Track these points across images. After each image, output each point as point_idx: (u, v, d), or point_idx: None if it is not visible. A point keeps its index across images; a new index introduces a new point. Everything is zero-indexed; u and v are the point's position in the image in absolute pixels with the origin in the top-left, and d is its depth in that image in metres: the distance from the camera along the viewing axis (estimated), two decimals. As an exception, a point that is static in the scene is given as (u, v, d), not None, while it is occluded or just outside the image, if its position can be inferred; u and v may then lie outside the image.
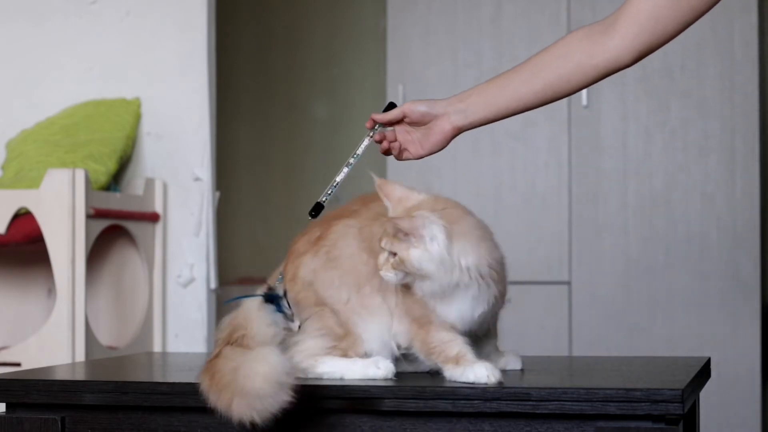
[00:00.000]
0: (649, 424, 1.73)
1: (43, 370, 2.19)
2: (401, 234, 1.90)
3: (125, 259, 3.69)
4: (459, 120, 2.18)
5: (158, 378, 1.96)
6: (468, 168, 4.44)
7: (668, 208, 4.38)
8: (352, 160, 2.15)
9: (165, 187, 3.73)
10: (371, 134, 2.16)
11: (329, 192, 2.11)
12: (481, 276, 1.90)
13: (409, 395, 1.81)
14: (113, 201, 3.51)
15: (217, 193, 3.81)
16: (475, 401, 1.79)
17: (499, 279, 1.94)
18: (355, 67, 5.18)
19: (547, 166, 4.47)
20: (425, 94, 4.61)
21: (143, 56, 3.79)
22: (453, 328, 1.92)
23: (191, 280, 3.72)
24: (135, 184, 3.68)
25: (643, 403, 1.72)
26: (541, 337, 4.41)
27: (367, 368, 1.93)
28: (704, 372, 2.12)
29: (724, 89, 4.36)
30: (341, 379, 1.92)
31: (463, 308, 1.92)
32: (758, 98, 4.34)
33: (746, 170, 4.34)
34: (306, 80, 5.22)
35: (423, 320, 1.92)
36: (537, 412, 1.77)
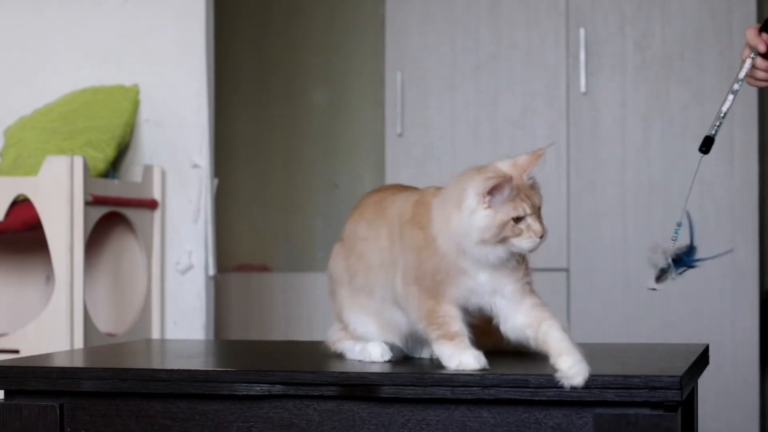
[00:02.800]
0: (647, 411, 1.73)
1: (42, 357, 2.19)
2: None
3: (124, 246, 3.69)
4: None
5: (157, 365, 1.96)
6: (467, 155, 4.43)
7: (666, 196, 4.38)
8: (736, 86, 2.04)
9: (163, 174, 3.72)
10: (754, 55, 2.03)
11: (717, 124, 2.03)
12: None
13: (407, 382, 1.81)
14: (112, 188, 3.51)
15: (216, 180, 3.81)
16: (474, 388, 1.79)
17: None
18: (354, 54, 5.17)
19: (546, 153, 4.46)
20: (424, 82, 4.61)
21: (142, 43, 3.78)
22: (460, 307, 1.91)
23: (190, 267, 3.72)
24: (133, 171, 3.68)
25: (641, 390, 1.72)
26: (540, 324, 4.41)
27: (373, 348, 1.99)
28: (702, 359, 2.12)
29: (723, 76, 4.36)
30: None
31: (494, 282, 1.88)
32: (757, 85, 4.34)
33: (744, 158, 4.34)
34: (304, 67, 5.21)
35: (432, 292, 1.90)
36: (535, 399, 1.77)
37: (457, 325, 1.88)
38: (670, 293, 4.36)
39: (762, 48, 1.97)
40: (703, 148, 1.99)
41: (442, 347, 1.88)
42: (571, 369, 1.75)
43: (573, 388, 1.75)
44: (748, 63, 1.99)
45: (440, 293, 1.89)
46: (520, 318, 1.88)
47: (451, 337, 1.87)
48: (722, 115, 1.99)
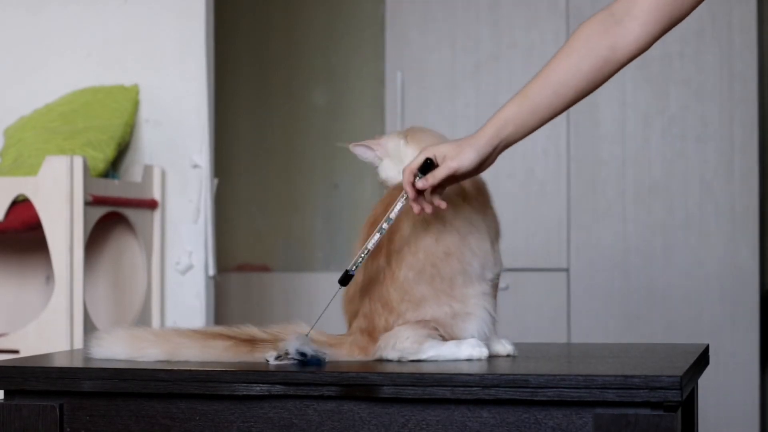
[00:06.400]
0: (647, 411, 1.73)
1: (42, 357, 2.19)
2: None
3: (124, 247, 3.69)
4: (498, 151, 2.15)
5: (157, 365, 1.96)
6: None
7: (667, 195, 4.38)
8: (385, 225, 2.02)
9: (163, 174, 3.72)
10: (404, 197, 2.02)
11: (361, 259, 2.02)
12: None
13: (407, 382, 1.81)
14: (111, 188, 3.51)
15: (216, 180, 3.81)
16: (474, 388, 1.79)
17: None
18: (354, 54, 5.17)
19: (546, 153, 4.47)
20: (424, 82, 4.60)
21: (142, 43, 3.78)
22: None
23: (189, 267, 3.72)
24: (133, 171, 3.68)
25: (641, 390, 1.72)
26: (540, 324, 4.41)
27: (473, 349, 2.01)
28: (703, 359, 2.12)
29: (723, 76, 4.36)
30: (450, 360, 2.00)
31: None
32: (757, 85, 4.34)
33: (745, 157, 4.34)
34: (305, 67, 5.22)
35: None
36: (535, 399, 1.77)
37: None
38: (670, 293, 4.36)
39: (411, 195, 2.00)
40: (342, 282, 2.00)
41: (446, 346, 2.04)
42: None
43: (569, 387, 1.75)
44: (399, 205, 2.00)
45: None
46: None
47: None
48: (366, 251, 2.00)
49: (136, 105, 3.74)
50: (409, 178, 2.00)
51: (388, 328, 2.02)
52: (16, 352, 3.31)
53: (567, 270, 4.43)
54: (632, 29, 2.01)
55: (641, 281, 4.38)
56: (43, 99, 3.79)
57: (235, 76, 5.21)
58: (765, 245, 4.48)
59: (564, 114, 4.45)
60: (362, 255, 2.00)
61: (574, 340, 4.36)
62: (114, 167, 3.69)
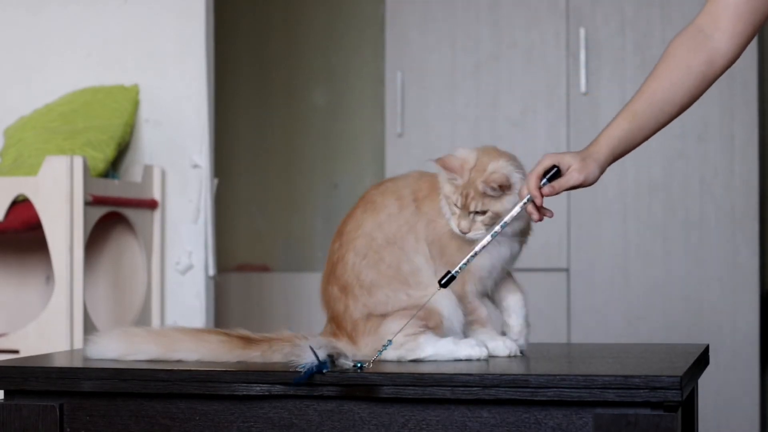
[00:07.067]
0: (647, 411, 1.73)
1: (42, 357, 2.19)
2: (493, 190, 2.02)
3: (123, 247, 3.69)
4: (607, 165, 2.20)
5: (156, 365, 1.96)
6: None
7: (667, 195, 4.38)
8: (498, 228, 2.04)
9: (163, 174, 3.72)
10: (523, 202, 2.06)
11: (466, 261, 2.04)
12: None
13: (407, 382, 1.81)
14: (111, 188, 3.51)
15: (216, 180, 3.81)
16: (474, 388, 1.79)
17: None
18: (354, 54, 5.17)
19: (546, 152, 4.46)
20: (424, 82, 4.60)
21: (142, 43, 3.78)
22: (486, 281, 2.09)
23: (189, 267, 3.72)
24: (133, 171, 3.68)
25: (641, 390, 1.72)
26: (540, 324, 4.39)
27: (472, 349, 2.02)
28: (703, 359, 2.12)
29: (723, 76, 4.34)
30: (450, 360, 2.01)
31: (502, 249, 2.09)
32: (757, 85, 4.34)
33: (745, 157, 4.33)
34: (305, 67, 5.21)
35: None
36: (535, 399, 1.77)
37: (485, 311, 2.12)
38: (670, 293, 4.36)
39: (538, 201, 2.04)
40: (442, 282, 2.01)
41: (481, 335, 2.10)
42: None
43: (569, 387, 1.75)
44: (518, 208, 2.03)
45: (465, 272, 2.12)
46: None
47: (482, 323, 2.11)
48: (474, 254, 2.02)
49: (136, 105, 3.74)
50: (535, 182, 2.08)
51: (348, 314, 2.04)
52: (16, 352, 3.31)
53: (567, 270, 4.43)
54: (723, 42, 2.17)
55: (641, 281, 4.37)
56: (43, 99, 3.79)
57: (235, 76, 5.21)
58: (765, 245, 4.48)
59: (564, 114, 4.46)
60: (470, 257, 2.03)
61: (575, 340, 4.36)
62: (114, 167, 3.69)
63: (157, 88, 3.77)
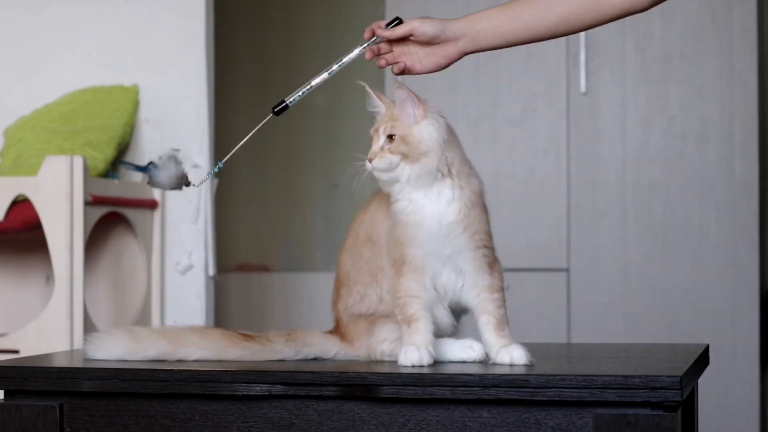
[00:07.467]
0: (647, 411, 1.73)
1: (42, 357, 2.19)
2: (409, 110, 2.00)
3: (124, 247, 3.69)
4: (467, 45, 2.18)
5: (157, 365, 1.96)
6: (467, 155, 4.43)
7: (667, 195, 4.38)
8: (335, 67, 2.08)
9: (163, 174, 3.72)
10: (364, 46, 2.08)
11: (300, 93, 2.07)
12: (458, 175, 2.01)
13: (407, 382, 1.81)
14: (111, 188, 3.51)
15: (216, 180, 3.81)
16: (474, 388, 1.79)
17: (477, 201, 2.02)
18: (354, 54, 5.16)
19: (546, 153, 4.47)
20: (424, 81, 4.59)
21: (141, 43, 3.78)
22: (424, 272, 1.95)
23: (189, 267, 3.72)
24: (133, 172, 3.68)
25: (641, 390, 1.72)
26: (540, 324, 4.41)
27: (463, 350, 1.97)
28: (703, 359, 2.12)
29: (723, 76, 4.36)
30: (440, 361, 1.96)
31: (433, 225, 1.95)
32: (757, 85, 4.34)
33: (745, 157, 4.33)
34: (304, 67, 5.21)
35: (399, 263, 1.96)
36: (535, 399, 1.77)
37: (413, 308, 1.95)
38: (670, 293, 4.36)
39: (370, 35, 2.02)
40: (276, 110, 2.02)
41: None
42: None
43: (569, 387, 1.75)
44: (357, 50, 2.04)
45: (403, 263, 1.99)
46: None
47: (408, 322, 1.96)
48: (309, 87, 2.03)
49: (136, 105, 3.74)
50: (375, 25, 2.08)
51: (338, 314, 2.04)
52: (16, 352, 3.31)
53: (567, 270, 4.43)
54: None
55: (641, 281, 4.37)
56: (43, 99, 3.79)
57: (235, 76, 5.21)
58: (765, 245, 4.48)
59: (564, 114, 4.46)
60: (305, 90, 2.04)
61: (575, 340, 4.35)
62: (114, 167, 3.69)
63: (157, 88, 3.77)
